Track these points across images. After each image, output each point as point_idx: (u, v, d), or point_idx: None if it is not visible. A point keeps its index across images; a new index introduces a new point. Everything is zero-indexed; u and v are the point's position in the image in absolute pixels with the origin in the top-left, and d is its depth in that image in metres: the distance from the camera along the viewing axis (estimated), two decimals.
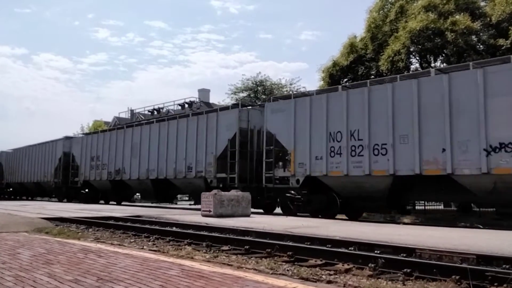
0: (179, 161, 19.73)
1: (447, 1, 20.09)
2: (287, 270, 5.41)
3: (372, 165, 12.83)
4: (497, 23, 19.16)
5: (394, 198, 13.08)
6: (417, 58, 21.93)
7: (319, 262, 6.07)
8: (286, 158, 15.36)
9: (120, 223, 11.34)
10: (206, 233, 8.84)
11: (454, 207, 21.24)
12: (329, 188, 14.21)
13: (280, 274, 5.14)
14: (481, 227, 11.96)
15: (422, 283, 4.90)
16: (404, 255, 6.11)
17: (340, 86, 15.46)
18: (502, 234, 8.88)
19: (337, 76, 23.28)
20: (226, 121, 17.90)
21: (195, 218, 12.19)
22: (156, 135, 21.32)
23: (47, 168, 30.13)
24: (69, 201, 27.77)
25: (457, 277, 4.83)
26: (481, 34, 20.07)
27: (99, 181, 25.14)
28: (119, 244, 7.62)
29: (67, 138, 29.60)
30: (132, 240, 8.55)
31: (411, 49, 20.59)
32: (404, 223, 13.70)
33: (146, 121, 24.55)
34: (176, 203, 28.90)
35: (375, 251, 6.33)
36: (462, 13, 19.64)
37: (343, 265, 5.80)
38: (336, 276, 5.26)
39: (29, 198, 34.25)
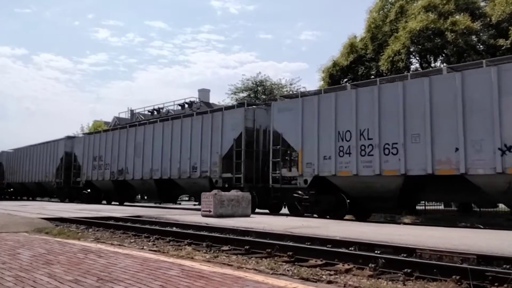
0: (184, 161, 19.61)
1: (447, 1, 20.07)
2: (287, 270, 5.40)
3: (383, 164, 12.65)
4: (497, 23, 19.14)
5: (405, 198, 12.93)
6: (417, 58, 21.91)
7: (319, 262, 6.08)
8: (293, 157, 15.23)
9: (120, 223, 11.35)
10: (206, 233, 8.85)
11: (455, 207, 21.23)
12: (337, 188, 14.06)
13: (280, 274, 5.14)
14: (482, 227, 11.94)
15: (422, 283, 4.90)
16: (405, 255, 6.11)
17: (349, 84, 15.30)
18: (502, 234, 8.89)
19: (337, 76, 23.26)
20: (232, 121, 17.82)
21: (195, 218, 12.19)
22: (160, 135, 21.20)
23: (48, 168, 30.04)
24: (71, 201, 27.65)
25: (458, 277, 4.83)
26: (481, 34, 20.05)
27: (102, 181, 25.02)
28: (119, 244, 7.62)
29: (69, 138, 29.55)
30: (132, 240, 8.55)
31: (411, 49, 20.56)
32: (405, 223, 13.70)
33: (149, 121, 24.39)
34: (180, 203, 28.88)
35: (376, 251, 6.33)
36: (462, 13, 19.62)
37: (343, 265, 5.81)
38: (336, 276, 5.26)
39: (30, 199, 34.21)
